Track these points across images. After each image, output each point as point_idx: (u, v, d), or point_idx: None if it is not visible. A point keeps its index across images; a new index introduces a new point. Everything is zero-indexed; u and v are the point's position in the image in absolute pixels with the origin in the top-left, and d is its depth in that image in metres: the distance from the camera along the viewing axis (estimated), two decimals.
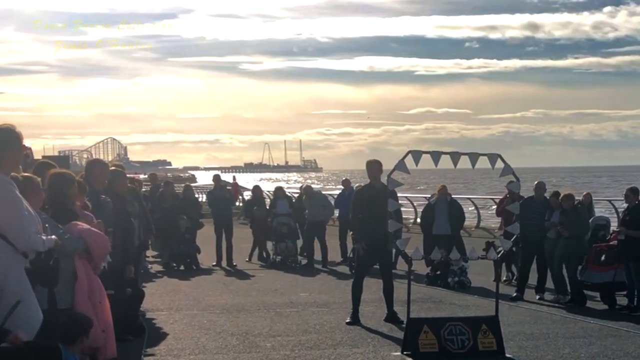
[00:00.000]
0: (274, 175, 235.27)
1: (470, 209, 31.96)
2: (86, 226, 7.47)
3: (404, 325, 10.61)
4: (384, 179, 11.70)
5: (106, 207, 9.35)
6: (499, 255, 11.06)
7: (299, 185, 38.99)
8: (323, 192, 25.68)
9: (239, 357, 9.73)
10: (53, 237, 6.39)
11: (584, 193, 19.08)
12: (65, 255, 6.97)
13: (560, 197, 14.45)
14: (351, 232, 18.25)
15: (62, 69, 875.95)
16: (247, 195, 36.97)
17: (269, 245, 21.42)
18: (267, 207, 22.15)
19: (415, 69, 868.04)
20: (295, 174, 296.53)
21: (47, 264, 6.33)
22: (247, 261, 21.15)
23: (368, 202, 12.29)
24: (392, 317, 12.24)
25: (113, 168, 11.07)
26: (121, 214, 10.16)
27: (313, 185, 30.68)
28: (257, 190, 23.52)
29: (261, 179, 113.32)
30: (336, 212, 22.54)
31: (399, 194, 13.16)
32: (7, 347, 5.53)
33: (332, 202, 23.15)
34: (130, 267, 10.66)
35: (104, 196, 9.44)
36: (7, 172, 6.19)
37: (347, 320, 12.17)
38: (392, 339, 10.84)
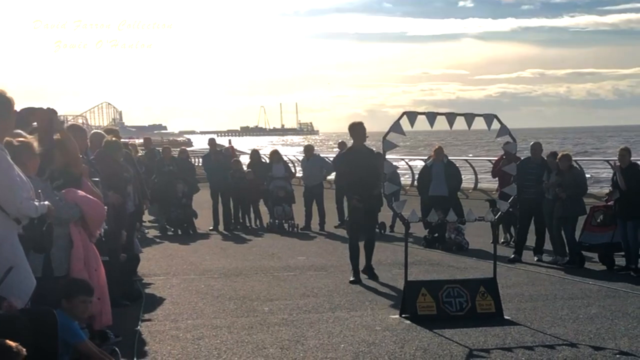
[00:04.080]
0: (270, 139, 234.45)
1: (468, 173, 31.76)
2: (82, 193, 7.40)
3: (400, 288, 10.58)
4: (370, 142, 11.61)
5: None
6: (496, 217, 10.96)
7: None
8: (321, 155, 25.55)
9: (237, 321, 9.69)
10: (46, 203, 6.30)
11: None
12: (60, 222, 6.91)
13: (557, 158, 14.34)
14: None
15: None
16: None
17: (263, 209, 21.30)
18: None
19: (409, 29, 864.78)
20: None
21: (40, 229, 6.25)
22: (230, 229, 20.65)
23: (350, 165, 12.19)
24: (368, 271, 12.31)
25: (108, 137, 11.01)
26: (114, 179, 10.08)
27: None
28: (254, 154, 23.27)
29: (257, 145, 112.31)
30: (332, 175, 22.48)
31: (395, 156, 13.06)
32: (1, 314, 5.46)
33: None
34: (124, 232, 10.59)
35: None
36: None
37: (351, 279, 12.32)
38: (390, 302, 10.81)
